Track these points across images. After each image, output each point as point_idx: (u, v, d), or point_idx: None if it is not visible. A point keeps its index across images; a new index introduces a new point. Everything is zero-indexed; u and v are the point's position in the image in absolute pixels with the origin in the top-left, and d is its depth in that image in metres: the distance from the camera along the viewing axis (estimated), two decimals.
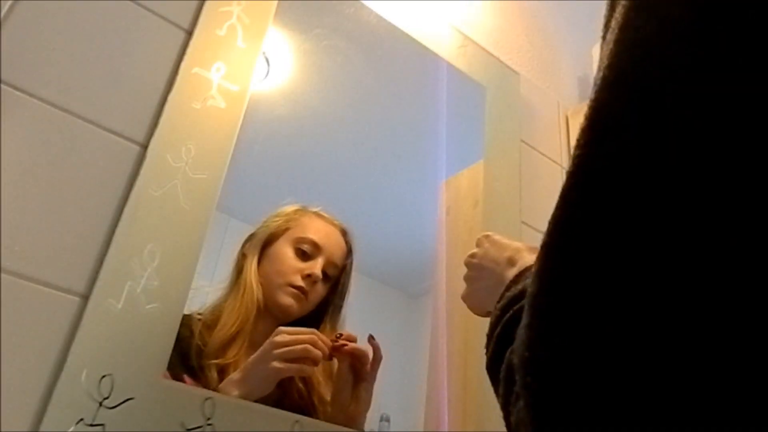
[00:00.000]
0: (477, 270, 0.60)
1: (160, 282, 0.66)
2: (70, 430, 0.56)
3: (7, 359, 0.56)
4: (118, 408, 0.59)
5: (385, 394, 0.98)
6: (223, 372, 0.74)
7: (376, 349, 0.82)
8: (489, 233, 0.62)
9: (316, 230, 0.89)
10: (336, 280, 0.91)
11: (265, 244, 0.87)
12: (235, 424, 0.66)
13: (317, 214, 0.91)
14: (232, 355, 0.76)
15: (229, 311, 0.80)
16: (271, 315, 0.83)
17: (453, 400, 0.93)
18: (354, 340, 0.81)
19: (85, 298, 0.62)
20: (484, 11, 1.35)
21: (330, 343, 0.79)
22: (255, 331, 0.80)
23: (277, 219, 0.89)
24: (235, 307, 0.80)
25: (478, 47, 1.24)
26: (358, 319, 1.04)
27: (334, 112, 1.07)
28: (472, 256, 0.62)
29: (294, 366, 0.74)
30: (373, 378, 0.81)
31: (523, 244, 0.57)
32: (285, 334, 0.74)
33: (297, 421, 0.72)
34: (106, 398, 0.59)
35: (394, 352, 1.08)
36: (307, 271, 0.85)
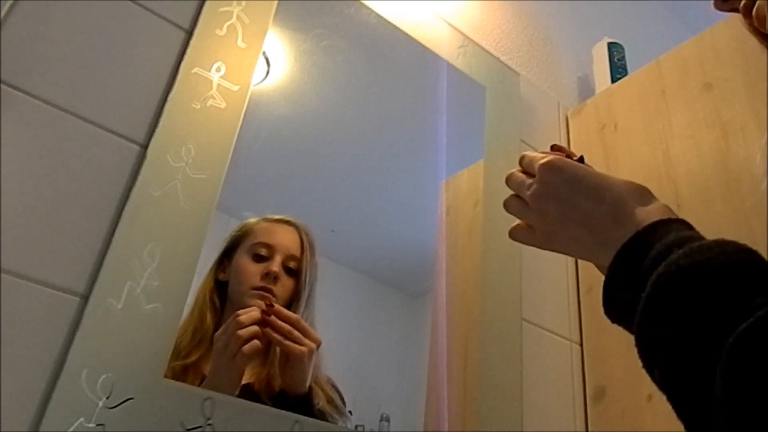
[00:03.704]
0: (550, 204, 0.48)
1: (160, 282, 0.66)
2: (70, 430, 0.56)
3: (7, 359, 0.56)
4: (118, 408, 0.59)
5: (385, 394, 0.98)
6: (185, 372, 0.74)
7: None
8: (550, 159, 0.49)
9: (265, 232, 0.91)
10: (299, 271, 0.92)
11: (224, 258, 0.88)
12: (235, 424, 0.66)
13: (265, 219, 0.93)
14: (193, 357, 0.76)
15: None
16: None
17: (453, 400, 0.93)
18: (285, 313, 0.79)
19: (85, 298, 0.62)
20: (484, 11, 1.35)
21: (258, 317, 0.77)
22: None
23: (233, 234, 0.91)
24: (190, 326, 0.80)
25: (478, 47, 1.24)
26: (358, 319, 1.03)
27: (334, 112, 1.07)
28: (531, 189, 0.49)
29: (243, 353, 0.73)
30: (304, 356, 0.78)
31: (618, 187, 0.45)
32: (220, 335, 0.75)
33: (297, 421, 0.72)
34: (106, 398, 0.59)
35: (394, 352, 1.08)
36: (265, 271, 0.86)
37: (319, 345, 0.80)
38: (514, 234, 0.55)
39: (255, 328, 0.75)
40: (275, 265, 0.87)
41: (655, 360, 0.34)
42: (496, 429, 0.89)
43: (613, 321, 0.43)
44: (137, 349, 0.62)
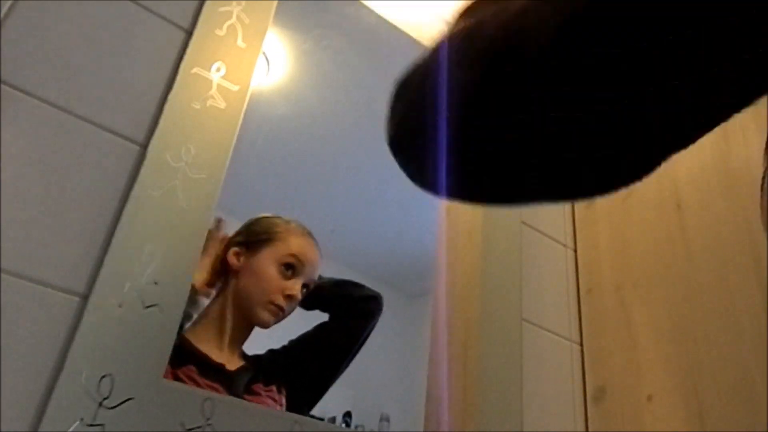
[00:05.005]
0: None
1: (160, 282, 0.66)
2: (70, 430, 0.56)
3: (7, 359, 0.56)
4: (117, 408, 0.59)
5: (385, 394, 0.98)
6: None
7: None
8: None
9: (298, 247, 0.92)
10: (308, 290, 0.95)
11: (243, 244, 0.90)
12: (235, 425, 0.66)
13: (290, 226, 0.94)
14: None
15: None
16: (246, 319, 0.89)
17: (453, 400, 0.93)
18: None
19: (85, 298, 0.62)
20: None
21: None
22: (233, 328, 0.88)
23: (261, 230, 0.92)
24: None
25: None
26: None
27: (334, 112, 1.07)
28: None
29: None
30: None
31: None
32: None
33: (296, 422, 0.72)
34: (106, 398, 0.59)
35: (394, 352, 1.08)
36: (287, 292, 0.89)
37: None
38: None
39: None
40: (297, 289, 0.90)
41: None
42: (496, 429, 0.89)
43: None
44: (137, 349, 0.62)
